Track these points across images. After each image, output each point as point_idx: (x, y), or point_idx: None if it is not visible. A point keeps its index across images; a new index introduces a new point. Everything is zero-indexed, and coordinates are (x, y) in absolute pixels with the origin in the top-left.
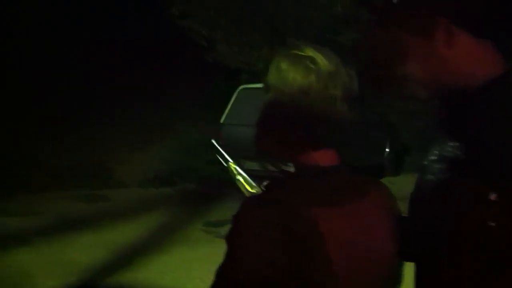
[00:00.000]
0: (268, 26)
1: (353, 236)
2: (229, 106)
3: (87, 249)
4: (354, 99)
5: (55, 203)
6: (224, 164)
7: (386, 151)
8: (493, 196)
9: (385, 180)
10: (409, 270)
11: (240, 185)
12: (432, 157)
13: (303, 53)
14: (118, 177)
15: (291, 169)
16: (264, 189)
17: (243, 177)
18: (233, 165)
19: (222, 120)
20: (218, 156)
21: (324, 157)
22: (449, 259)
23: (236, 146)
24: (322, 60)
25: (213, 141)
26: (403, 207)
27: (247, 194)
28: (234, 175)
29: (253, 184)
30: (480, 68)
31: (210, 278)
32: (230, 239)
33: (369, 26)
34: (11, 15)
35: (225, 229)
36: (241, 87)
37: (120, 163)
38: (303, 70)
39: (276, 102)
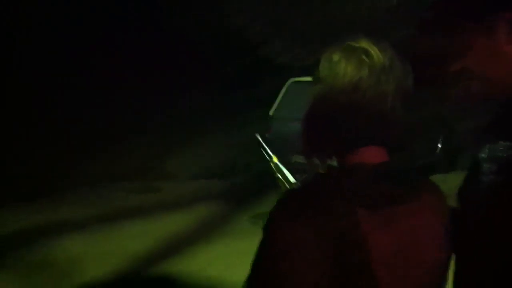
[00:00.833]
0: (321, 21)
1: (397, 241)
2: (278, 99)
3: (137, 239)
4: (408, 95)
5: (108, 194)
6: (268, 159)
7: (439, 148)
8: None
9: (437, 178)
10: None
11: (280, 182)
12: (483, 156)
13: (357, 45)
14: (170, 169)
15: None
16: (301, 185)
17: (283, 175)
18: (274, 162)
19: (271, 113)
20: (262, 151)
21: (372, 155)
22: (505, 261)
23: (285, 139)
24: (376, 53)
25: (257, 136)
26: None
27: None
28: (274, 172)
29: (292, 182)
30: None
31: None
32: (264, 237)
33: (427, 22)
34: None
35: None
36: (291, 80)
37: (172, 157)
38: (355, 63)
39: (325, 95)
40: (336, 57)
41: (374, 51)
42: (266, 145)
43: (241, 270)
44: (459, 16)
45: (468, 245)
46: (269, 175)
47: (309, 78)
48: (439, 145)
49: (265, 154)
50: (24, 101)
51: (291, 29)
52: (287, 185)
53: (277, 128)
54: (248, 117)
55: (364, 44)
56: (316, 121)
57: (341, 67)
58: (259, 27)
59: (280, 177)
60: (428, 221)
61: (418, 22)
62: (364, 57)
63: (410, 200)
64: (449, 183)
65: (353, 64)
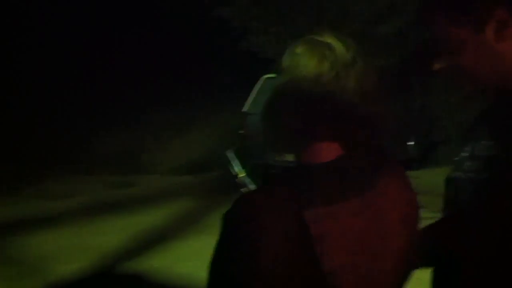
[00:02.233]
0: (307, 16)
1: (360, 233)
2: (253, 95)
3: (109, 234)
4: (369, 93)
5: (80, 187)
6: (234, 172)
7: (410, 145)
8: None
9: (410, 174)
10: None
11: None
12: (464, 154)
13: (321, 39)
14: (145, 164)
15: (293, 161)
16: (263, 185)
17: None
18: (240, 177)
19: (245, 109)
20: (232, 164)
21: (328, 151)
22: (493, 259)
23: (259, 135)
24: (340, 49)
25: (228, 154)
26: (426, 201)
27: None
28: (238, 185)
29: None
30: None
31: None
32: (222, 238)
33: (420, 15)
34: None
35: None
36: (265, 76)
37: (148, 151)
38: (317, 56)
39: (284, 86)
40: (299, 49)
41: (337, 46)
42: (237, 160)
43: None
44: (451, 10)
45: (451, 242)
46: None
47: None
48: (411, 143)
49: (232, 170)
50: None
51: (276, 22)
52: None
53: (251, 124)
54: (227, 110)
55: (329, 38)
56: (274, 113)
57: (303, 60)
58: (242, 20)
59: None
60: (385, 209)
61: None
62: (326, 51)
63: (369, 191)
64: (422, 178)
65: (315, 58)
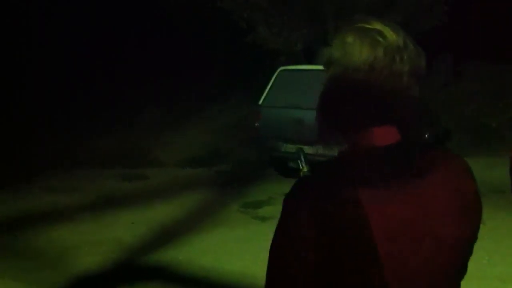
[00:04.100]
0: (308, 8)
1: (408, 219)
2: (268, 88)
3: (128, 227)
4: (422, 76)
5: (95, 180)
6: (300, 167)
7: (425, 136)
8: None
9: None
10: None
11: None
12: None
13: (370, 26)
14: (156, 157)
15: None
16: (312, 170)
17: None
18: (305, 171)
19: (260, 102)
20: (300, 159)
21: (384, 135)
22: None
23: (275, 128)
24: (390, 34)
25: (300, 152)
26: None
27: None
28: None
29: None
30: None
31: (248, 258)
32: (279, 222)
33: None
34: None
35: (261, 210)
36: (281, 68)
37: (158, 145)
38: (370, 44)
39: (339, 76)
40: (350, 38)
41: (387, 31)
42: (303, 157)
43: (234, 259)
44: None
45: None
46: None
47: (299, 66)
48: (426, 135)
49: (300, 163)
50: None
51: (279, 15)
52: None
53: (266, 116)
54: (232, 102)
55: (377, 25)
56: (331, 102)
57: (355, 48)
58: (246, 13)
59: None
60: (439, 198)
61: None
62: (378, 37)
63: (421, 177)
64: None
65: (368, 45)
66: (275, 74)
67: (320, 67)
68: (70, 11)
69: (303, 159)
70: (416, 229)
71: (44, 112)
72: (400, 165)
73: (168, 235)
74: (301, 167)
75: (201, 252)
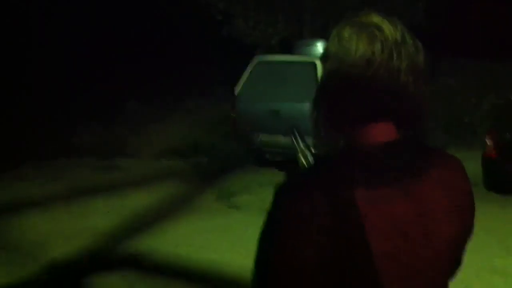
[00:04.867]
0: (285, 1)
1: (404, 219)
2: (244, 78)
3: (103, 217)
4: (420, 71)
5: (69, 170)
6: (296, 146)
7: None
8: None
9: None
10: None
11: (299, 160)
12: None
13: (368, 20)
14: (133, 149)
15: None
16: (310, 167)
17: (306, 159)
18: (302, 149)
19: (237, 93)
20: (295, 142)
21: (381, 132)
22: None
23: (251, 119)
24: (388, 28)
25: (294, 130)
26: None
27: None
28: (298, 156)
29: (309, 159)
30: None
31: (224, 247)
32: (270, 214)
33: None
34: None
35: (237, 200)
36: (257, 59)
37: (136, 137)
38: (367, 38)
39: (335, 71)
40: (346, 33)
41: (385, 26)
42: (299, 138)
43: (210, 248)
44: None
45: None
46: (232, 156)
47: (276, 58)
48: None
49: (297, 146)
50: None
51: (255, 8)
52: (304, 162)
53: (242, 107)
54: (214, 95)
55: (375, 18)
56: (326, 97)
57: (352, 43)
58: (222, 4)
59: (301, 156)
60: (435, 197)
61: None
62: (376, 32)
63: (418, 176)
64: None
65: (365, 40)
66: (252, 65)
67: (298, 59)
68: (70, 11)
69: (299, 139)
70: (411, 229)
71: (31, 106)
72: (396, 164)
73: (143, 224)
74: (298, 148)
75: (177, 241)
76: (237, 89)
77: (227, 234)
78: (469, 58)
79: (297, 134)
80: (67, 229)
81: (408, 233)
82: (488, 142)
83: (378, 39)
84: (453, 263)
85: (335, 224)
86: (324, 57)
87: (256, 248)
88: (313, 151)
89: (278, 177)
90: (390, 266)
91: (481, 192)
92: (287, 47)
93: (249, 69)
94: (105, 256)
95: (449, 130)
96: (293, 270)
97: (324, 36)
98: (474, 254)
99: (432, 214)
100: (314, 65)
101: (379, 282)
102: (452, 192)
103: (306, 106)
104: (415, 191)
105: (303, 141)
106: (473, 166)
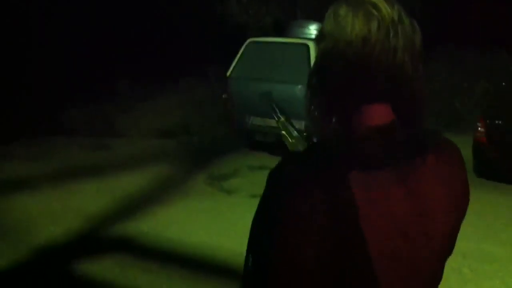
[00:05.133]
0: None
1: (404, 218)
2: (236, 59)
3: (92, 197)
4: (416, 51)
5: (58, 149)
6: (275, 119)
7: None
8: None
9: None
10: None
11: (284, 138)
12: None
13: None
14: (123, 128)
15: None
16: (307, 149)
17: (287, 131)
18: (282, 121)
19: (228, 74)
20: (271, 111)
21: (377, 114)
22: None
23: (242, 100)
24: (384, 6)
25: (269, 98)
26: None
27: (289, 147)
28: (280, 129)
29: (295, 136)
30: None
31: (214, 229)
32: (266, 197)
33: None
34: None
35: (227, 182)
36: (250, 40)
37: (126, 116)
38: (363, 16)
39: (331, 50)
40: (342, 11)
41: (382, 4)
42: (275, 105)
43: (201, 230)
44: None
45: None
46: (224, 138)
47: (268, 39)
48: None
49: (274, 114)
50: None
51: None
52: (290, 140)
53: (235, 88)
54: (207, 76)
55: None
56: (321, 78)
57: (348, 21)
58: None
59: (285, 133)
60: (435, 196)
61: None
62: (372, 10)
63: (412, 160)
64: None
65: (361, 18)
66: (244, 46)
67: (290, 41)
68: (70, 11)
69: (276, 110)
70: (411, 228)
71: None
72: (392, 148)
73: (133, 205)
74: (279, 117)
75: (167, 224)
76: (229, 70)
77: (217, 217)
78: (462, 45)
79: (274, 105)
80: (55, 209)
81: (408, 233)
82: (480, 127)
83: (375, 17)
84: (448, 253)
85: (335, 224)
86: (319, 37)
87: (252, 245)
88: (292, 123)
89: (268, 161)
90: (390, 266)
91: (471, 178)
92: (280, 29)
93: (241, 50)
94: (94, 237)
95: (440, 115)
96: (293, 269)
97: (317, 18)
98: (464, 237)
99: (432, 214)
100: (307, 47)
101: (379, 282)
102: (451, 187)
103: (298, 89)
104: (412, 174)
105: (282, 113)
106: (464, 152)
